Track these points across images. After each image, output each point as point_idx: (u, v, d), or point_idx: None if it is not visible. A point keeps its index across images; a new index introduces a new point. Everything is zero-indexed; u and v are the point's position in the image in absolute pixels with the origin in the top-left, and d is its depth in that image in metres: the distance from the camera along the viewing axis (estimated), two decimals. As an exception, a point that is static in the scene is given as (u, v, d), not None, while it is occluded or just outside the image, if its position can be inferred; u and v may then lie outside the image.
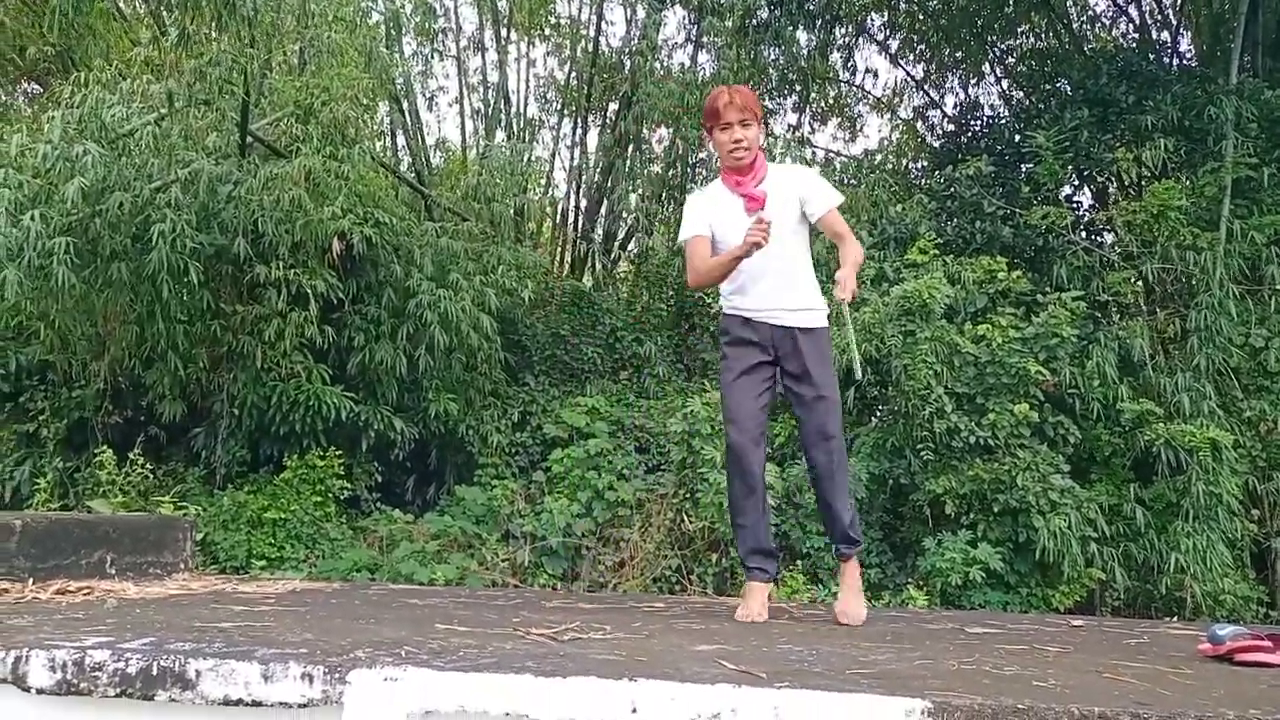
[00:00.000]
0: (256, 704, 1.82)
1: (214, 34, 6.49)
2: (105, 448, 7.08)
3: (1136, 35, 11.03)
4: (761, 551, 3.24)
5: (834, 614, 3.16)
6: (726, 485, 3.35)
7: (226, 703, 1.83)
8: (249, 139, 7.13)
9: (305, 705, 1.81)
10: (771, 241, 3.04)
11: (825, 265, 5.84)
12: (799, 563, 6.80)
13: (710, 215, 3.28)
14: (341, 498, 7.36)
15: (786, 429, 7.96)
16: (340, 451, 7.34)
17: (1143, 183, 8.78)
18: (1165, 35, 11.00)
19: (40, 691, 1.88)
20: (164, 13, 7.51)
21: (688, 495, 6.84)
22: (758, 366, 3.23)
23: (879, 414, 8.25)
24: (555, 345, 9.45)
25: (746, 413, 3.20)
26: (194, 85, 6.37)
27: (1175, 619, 6.27)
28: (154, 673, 1.85)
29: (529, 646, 2.21)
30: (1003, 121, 10.35)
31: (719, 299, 3.40)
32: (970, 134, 10.24)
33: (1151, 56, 9.59)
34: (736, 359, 3.26)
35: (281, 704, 1.81)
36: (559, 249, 12.47)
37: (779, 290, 3.21)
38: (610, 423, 8.14)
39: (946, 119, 11.81)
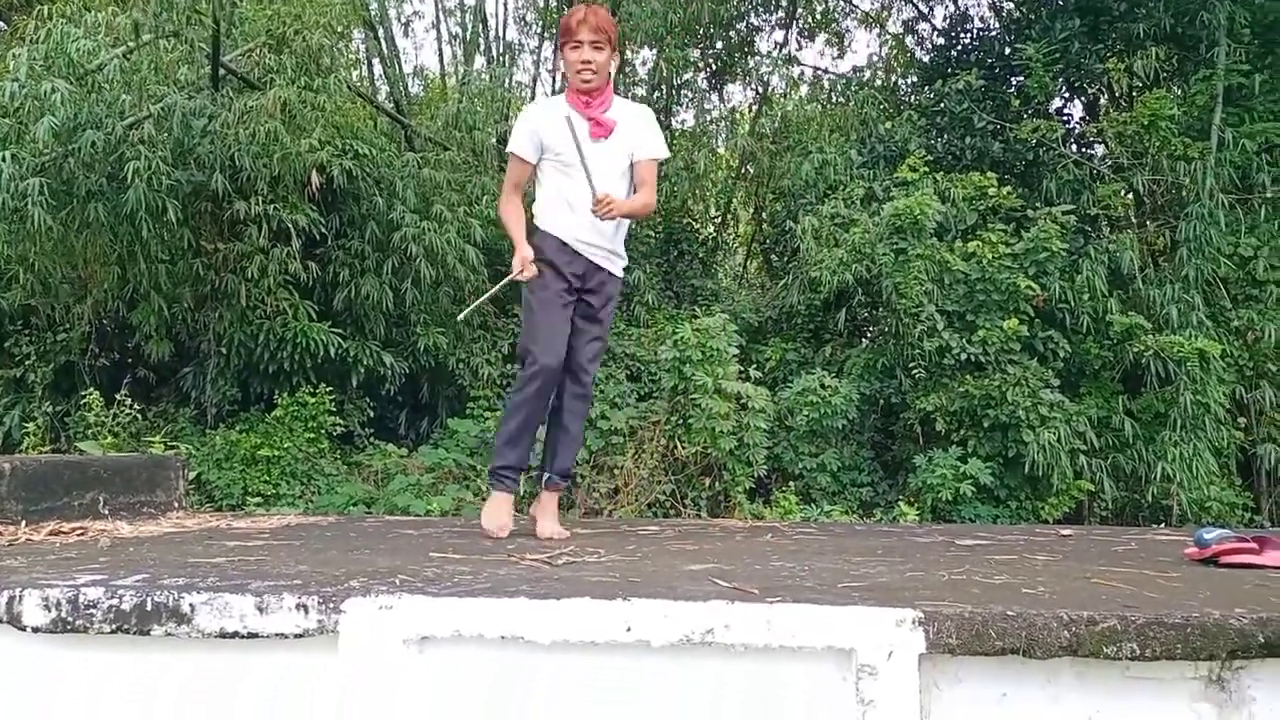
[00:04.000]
0: (253, 635, 1.83)
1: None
2: (92, 390, 7.05)
3: (1129, -61, 10.73)
4: (521, 468, 3.23)
5: (538, 537, 3.06)
6: (517, 402, 3.18)
7: (222, 635, 1.83)
8: (221, 71, 6.94)
9: (301, 635, 1.81)
10: (607, 177, 3.06)
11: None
12: (791, 484, 6.87)
13: (545, 132, 3.15)
14: (334, 434, 7.37)
15: (778, 352, 7.96)
16: (331, 388, 7.32)
17: (1134, 93, 8.65)
18: (1159, -62, 10.70)
19: (36, 630, 1.88)
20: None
21: (680, 421, 6.87)
22: (568, 293, 3.18)
23: (869, 334, 8.26)
24: (543, 275, 9.37)
25: (559, 337, 3.14)
26: (160, 15, 6.18)
27: (1163, 526, 6.38)
28: (148, 608, 1.85)
29: (523, 571, 2.22)
30: (993, 34, 10.13)
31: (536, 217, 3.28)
32: (960, 48, 10.03)
33: (1144, -39, 9.33)
34: (553, 280, 3.16)
35: (278, 635, 1.82)
36: (543, 177, 12.24)
37: (599, 227, 3.14)
38: (601, 351, 8.11)
39: (936, 32, 11.52)
